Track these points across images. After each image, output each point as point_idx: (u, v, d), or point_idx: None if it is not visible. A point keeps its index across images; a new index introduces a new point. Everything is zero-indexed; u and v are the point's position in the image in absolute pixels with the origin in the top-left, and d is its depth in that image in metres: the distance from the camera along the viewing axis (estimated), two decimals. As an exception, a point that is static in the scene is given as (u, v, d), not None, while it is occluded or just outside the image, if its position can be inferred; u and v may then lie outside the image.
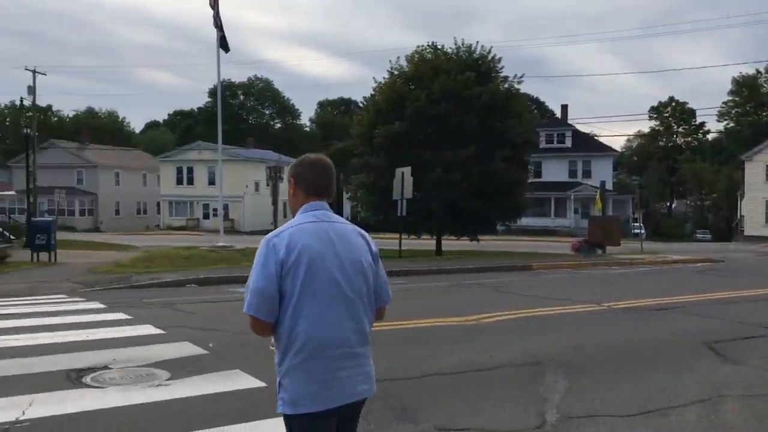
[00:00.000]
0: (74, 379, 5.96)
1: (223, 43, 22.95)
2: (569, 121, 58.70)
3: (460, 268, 18.22)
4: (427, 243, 26.41)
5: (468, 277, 16.26)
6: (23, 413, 4.94)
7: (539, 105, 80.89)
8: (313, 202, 2.75)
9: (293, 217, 2.74)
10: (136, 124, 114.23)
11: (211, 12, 22.47)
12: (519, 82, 24.81)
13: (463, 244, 26.84)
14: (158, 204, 57.84)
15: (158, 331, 8.26)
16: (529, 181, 29.07)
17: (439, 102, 22.77)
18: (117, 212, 58.93)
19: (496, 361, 6.78)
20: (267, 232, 3.19)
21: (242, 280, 14.24)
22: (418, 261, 20.34)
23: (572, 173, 54.64)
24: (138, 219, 59.48)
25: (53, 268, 17.48)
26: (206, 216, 53.53)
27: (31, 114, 57.18)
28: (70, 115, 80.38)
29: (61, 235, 37.37)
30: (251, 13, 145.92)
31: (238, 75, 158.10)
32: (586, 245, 24.76)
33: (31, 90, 54.71)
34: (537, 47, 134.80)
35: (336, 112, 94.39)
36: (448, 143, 22.59)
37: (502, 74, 24.82)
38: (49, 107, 77.81)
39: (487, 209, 23.43)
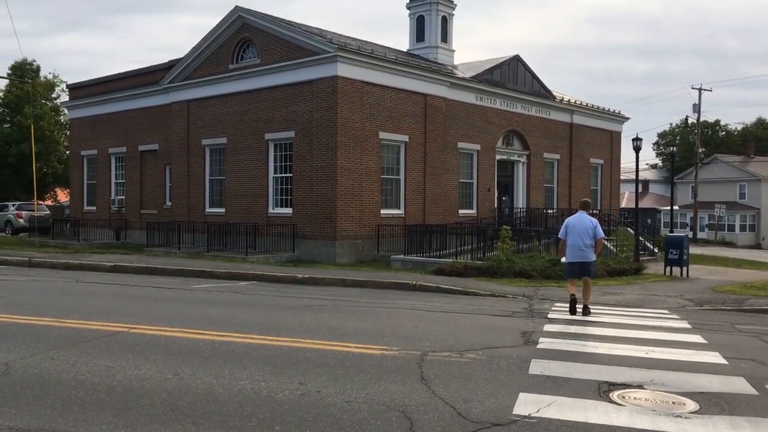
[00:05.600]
0: (602, 391, 6.24)
1: None
2: None
3: None
4: None
5: None
6: (537, 410, 5.55)
7: None
8: (579, 211, 11.28)
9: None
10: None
11: None
12: None
13: None
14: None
15: (721, 360, 7.68)
16: None
17: None
18: (782, 228, 54.53)
19: None
20: None
21: None
22: None
23: None
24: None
25: (679, 284, 17.76)
26: None
27: (696, 131, 58.86)
28: (738, 128, 78.53)
29: (714, 251, 37.41)
30: None
31: None
32: None
33: (696, 107, 56.43)
34: None
35: None
36: None
37: None
38: (717, 122, 77.96)
39: None
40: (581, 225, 10.89)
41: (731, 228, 53.64)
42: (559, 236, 11.43)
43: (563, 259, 11.46)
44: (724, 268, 24.36)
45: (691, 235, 48.42)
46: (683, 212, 56.95)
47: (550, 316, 11.06)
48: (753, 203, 55.07)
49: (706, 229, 54.63)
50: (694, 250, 26.86)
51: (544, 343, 8.47)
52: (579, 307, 11.00)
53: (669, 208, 58.10)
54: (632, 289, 15.98)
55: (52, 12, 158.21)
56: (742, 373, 7.07)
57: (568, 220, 11.20)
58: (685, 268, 19.91)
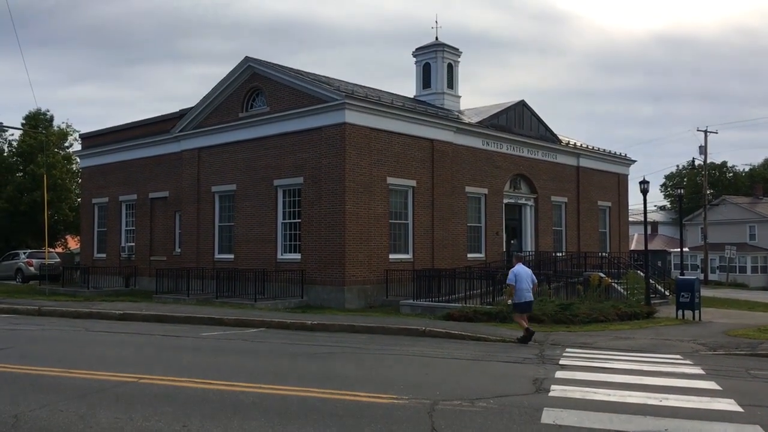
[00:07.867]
0: (616, 441, 6.15)
1: None
2: None
3: None
4: None
5: None
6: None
7: None
8: (518, 263, 14.60)
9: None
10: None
11: None
12: None
13: None
14: None
15: (736, 408, 7.55)
16: None
17: None
18: None
19: None
20: None
21: None
22: None
23: None
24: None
25: (692, 328, 17.56)
26: None
27: (703, 173, 58.87)
28: (746, 170, 78.49)
29: (726, 293, 37.00)
30: None
31: None
32: None
33: (702, 149, 56.54)
34: None
35: None
36: None
37: None
38: (724, 164, 77.98)
39: None
40: (525, 273, 14.12)
41: (743, 269, 53.12)
42: (508, 282, 14.19)
43: (510, 301, 14.23)
44: (737, 311, 24.09)
45: (702, 277, 47.98)
46: (693, 254, 56.53)
47: (561, 362, 10.95)
48: (764, 244, 54.66)
49: (717, 271, 54.13)
50: (705, 292, 26.58)
51: (556, 390, 8.37)
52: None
53: (679, 249, 57.78)
54: (644, 334, 15.81)
55: (68, 63, 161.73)
56: (757, 420, 6.95)
57: (514, 270, 14.15)
58: (697, 312, 19.69)
